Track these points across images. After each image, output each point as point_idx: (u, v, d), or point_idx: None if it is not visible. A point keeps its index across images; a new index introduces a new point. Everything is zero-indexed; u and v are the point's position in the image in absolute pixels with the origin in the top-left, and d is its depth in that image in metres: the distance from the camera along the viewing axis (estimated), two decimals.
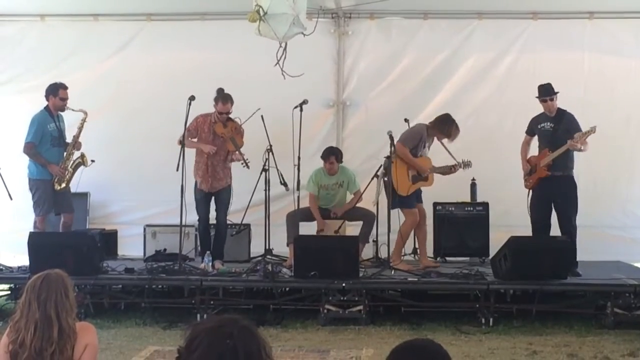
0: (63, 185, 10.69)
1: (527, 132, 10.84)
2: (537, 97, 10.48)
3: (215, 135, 10.77)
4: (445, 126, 10.70)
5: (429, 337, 3.21)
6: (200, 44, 12.66)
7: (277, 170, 11.13)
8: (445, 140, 10.77)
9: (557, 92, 10.43)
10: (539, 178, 10.45)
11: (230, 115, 10.79)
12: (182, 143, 10.34)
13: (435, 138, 10.82)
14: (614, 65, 12.35)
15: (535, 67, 12.31)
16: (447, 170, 10.83)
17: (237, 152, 10.73)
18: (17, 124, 12.15)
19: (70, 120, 11.01)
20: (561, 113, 10.47)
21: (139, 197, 12.70)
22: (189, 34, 12.66)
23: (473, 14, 12.44)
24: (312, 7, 10.11)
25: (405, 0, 11.32)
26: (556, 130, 10.38)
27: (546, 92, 10.43)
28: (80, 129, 10.80)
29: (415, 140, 10.73)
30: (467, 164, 10.78)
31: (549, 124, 10.48)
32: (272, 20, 8.68)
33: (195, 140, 10.78)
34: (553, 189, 10.38)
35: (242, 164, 10.69)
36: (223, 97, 10.67)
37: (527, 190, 10.66)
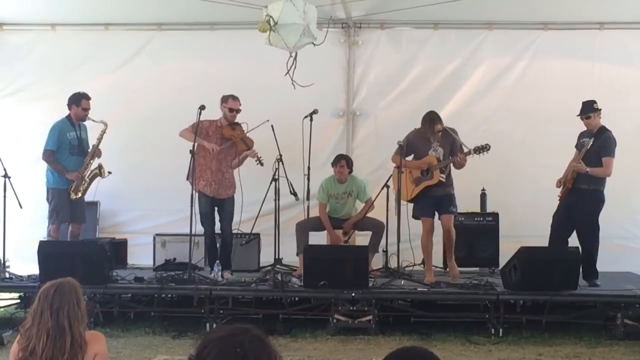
0: (79, 195, 10.73)
1: (575, 147, 10.70)
2: (577, 115, 10.46)
3: (223, 139, 10.76)
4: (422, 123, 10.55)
5: (427, 347, 3.18)
6: (211, 53, 12.69)
7: (287, 180, 11.13)
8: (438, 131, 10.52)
9: (598, 110, 10.36)
10: (565, 190, 10.43)
11: (237, 120, 10.81)
12: (192, 153, 10.36)
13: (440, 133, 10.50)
14: (624, 76, 12.32)
15: (545, 77, 12.31)
16: (454, 160, 10.38)
17: (250, 150, 10.74)
18: (27, 133, 12.26)
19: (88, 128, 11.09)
20: (602, 131, 10.37)
21: (148, 207, 12.71)
22: (200, 43, 12.69)
23: (483, 25, 12.44)
24: (322, 17, 10.14)
25: (415, 10, 11.29)
26: (591, 146, 10.28)
27: (582, 110, 10.41)
28: (99, 139, 10.85)
29: (405, 144, 10.61)
30: (480, 149, 10.24)
31: (587, 139, 10.40)
32: (282, 30, 8.71)
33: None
34: (575, 202, 10.35)
35: (256, 161, 10.69)
36: (232, 95, 10.76)
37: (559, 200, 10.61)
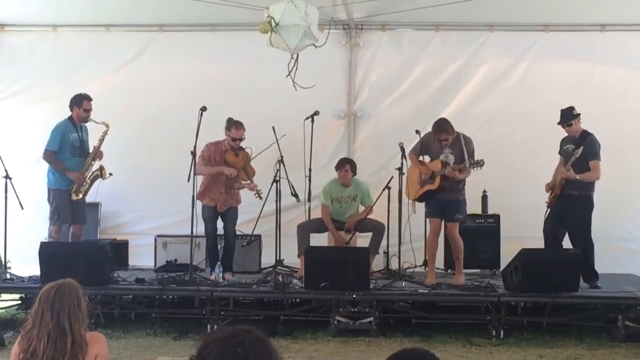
0: (80, 196, 10.73)
1: (559, 153, 10.77)
2: (557, 123, 10.48)
3: (226, 164, 10.77)
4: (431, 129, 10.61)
5: (428, 349, 3.19)
6: (212, 54, 12.68)
7: (288, 181, 11.13)
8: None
9: (578, 115, 10.40)
10: (554, 196, 10.43)
11: (242, 144, 10.83)
12: (193, 154, 10.37)
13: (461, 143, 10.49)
14: (625, 78, 12.32)
15: (546, 78, 12.30)
16: (443, 172, 10.34)
17: (249, 182, 10.76)
18: (29, 134, 12.24)
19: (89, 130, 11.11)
20: (584, 136, 10.40)
21: (150, 208, 12.70)
22: (201, 44, 12.69)
23: (484, 26, 12.43)
24: (323, 19, 10.13)
25: (416, 12, 11.29)
26: (580, 154, 10.33)
27: (564, 118, 10.46)
28: (101, 141, 10.86)
29: (417, 145, 10.77)
30: (474, 164, 10.22)
31: (571, 146, 10.43)
32: (283, 31, 8.69)
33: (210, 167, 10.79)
34: (565, 207, 10.37)
35: (255, 195, 10.74)
36: (236, 123, 10.72)
37: (547, 207, 10.62)
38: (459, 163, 10.30)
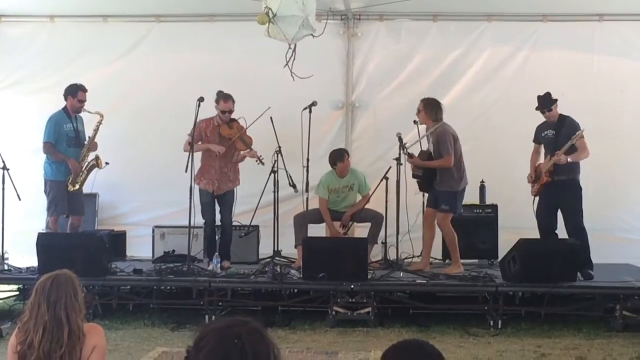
0: (77, 187, 10.71)
1: (534, 141, 10.79)
2: (536, 109, 10.47)
3: (222, 138, 10.77)
4: None
5: (426, 339, 3.20)
6: (209, 45, 12.66)
7: (286, 171, 11.13)
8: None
9: (556, 100, 10.40)
10: (542, 185, 10.42)
11: (235, 116, 10.84)
12: (191, 144, 10.35)
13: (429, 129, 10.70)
14: (623, 68, 12.30)
15: (544, 69, 12.27)
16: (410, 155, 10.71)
17: (249, 150, 10.75)
18: (26, 125, 12.23)
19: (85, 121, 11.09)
20: (562, 119, 10.40)
21: (147, 198, 12.69)
22: (198, 35, 12.66)
23: (482, 16, 12.41)
24: (321, 9, 10.13)
25: (414, 2, 11.28)
26: (557, 136, 10.33)
27: (544, 103, 10.42)
28: (95, 131, 10.84)
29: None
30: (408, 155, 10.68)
31: (551, 131, 10.45)
32: (281, 22, 8.67)
33: (200, 143, 10.77)
34: (557, 194, 10.35)
35: (256, 161, 10.77)
36: (224, 96, 10.74)
37: (533, 197, 10.62)
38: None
